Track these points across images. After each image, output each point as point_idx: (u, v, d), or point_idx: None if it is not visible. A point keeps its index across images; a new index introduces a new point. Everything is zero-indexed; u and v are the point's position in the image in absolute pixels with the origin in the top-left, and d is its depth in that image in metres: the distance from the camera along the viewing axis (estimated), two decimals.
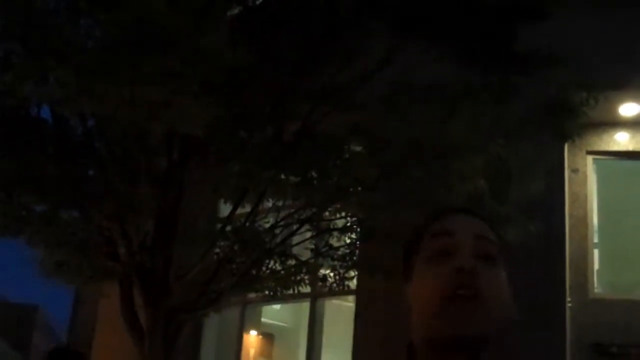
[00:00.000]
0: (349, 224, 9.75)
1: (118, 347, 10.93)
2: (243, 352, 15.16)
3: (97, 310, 15.58)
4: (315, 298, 13.78)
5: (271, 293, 10.08)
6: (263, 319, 16.35)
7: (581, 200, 12.86)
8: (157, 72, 6.51)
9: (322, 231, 9.83)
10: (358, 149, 9.10)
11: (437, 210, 1.64)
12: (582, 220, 12.77)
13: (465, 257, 1.49)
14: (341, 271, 9.88)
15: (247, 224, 9.14)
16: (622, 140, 13.05)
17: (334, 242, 9.95)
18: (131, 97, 6.52)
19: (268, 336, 16.66)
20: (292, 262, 9.66)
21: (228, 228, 9.09)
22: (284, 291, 10.04)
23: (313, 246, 9.93)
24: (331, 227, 9.79)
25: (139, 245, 8.35)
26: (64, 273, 9.36)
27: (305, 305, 14.17)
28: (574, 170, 12.77)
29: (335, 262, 9.81)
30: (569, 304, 11.90)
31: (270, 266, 9.54)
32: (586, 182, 12.95)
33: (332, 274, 9.94)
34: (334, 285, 10.00)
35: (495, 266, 1.53)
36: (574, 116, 8.83)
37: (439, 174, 8.17)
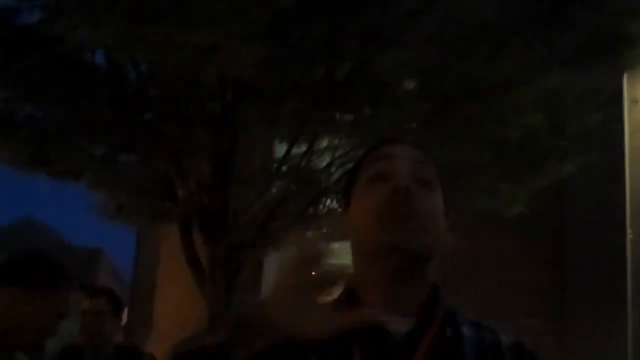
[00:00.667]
0: None
1: (181, 287, 11.16)
2: None
3: (159, 251, 15.88)
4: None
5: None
6: None
7: None
8: (205, 15, 6.52)
9: None
10: (410, 86, 9.04)
11: (375, 143, 1.73)
12: None
13: (401, 178, 1.55)
14: None
15: (303, 163, 9.19)
16: None
17: None
18: (180, 41, 6.55)
19: None
20: None
21: (284, 168, 9.14)
22: None
23: None
24: None
25: (197, 186, 8.46)
26: (125, 215, 9.55)
27: None
28: (634, 101, 12.53)
29: None
30: (630, 236, 11.78)
31: (327, 205, 9.59)
32: None
33: None
34: None
35: (432, 191, 1.60)
36: (631, 45, 8.62)
37: (492, 108, 8.08)
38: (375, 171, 1.61)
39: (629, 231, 11.74)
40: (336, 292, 1.53)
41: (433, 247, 1.55)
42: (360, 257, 1.60)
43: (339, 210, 1.76)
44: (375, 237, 1.53)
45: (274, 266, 15.16)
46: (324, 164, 9.45)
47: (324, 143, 9.61)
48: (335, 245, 1.53)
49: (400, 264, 1.53)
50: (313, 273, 1.41)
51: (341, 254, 1.56)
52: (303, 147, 9.22)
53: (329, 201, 9.54)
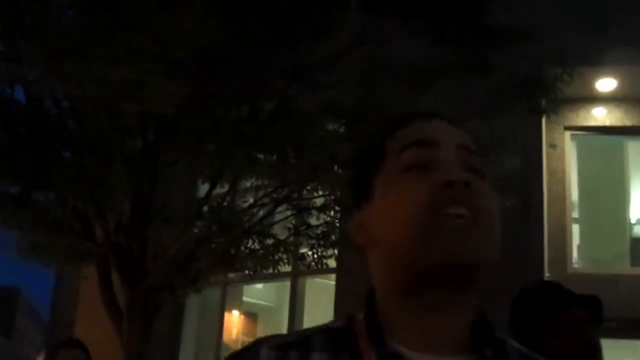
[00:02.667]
0: (327, 202, 9.74)
1: (99, 328, 10.91)
2: (225, 332, 15.20)
3: (78, 291, 15.56)
4: (296, 277, 13.81)
5: (251, 272, 10.08)
6: (245, 299, 16.39)
7: (559, 176, 12.90)
8: (128, 52, 6.47)
9: (301, 210, 9.82)
10: (333, 127, 9.09)
11: (399, 116, 1.30)
12: (561, 196, 12.82)
13: (455, 168, 1.18)
14: (320, 250, 9.87)
15: (225, 203, 9.13)
16: (599, 115, 13.09)
17: (312, 220, 9.94)
18: (102, 77, 6.48)
19: (251, 315, 16.71)
20: (270, 241, 9.65)
21: (205, 208, 9.07)
22: (264, 270, 10.04)
23: (291, 225, 9.92)
24: (309, 205, 9.78)
25: (115, 226, 8.32)
26: (41, 255, 9.35)
27: (288, 284, 14.20)
28: (552, 146, 12.80)
29: (314, 241, 9.81)
30: (548, 279, 11.96)
31: (249, 246, 9.54)
32: (564, 157, 13.00)
33: (310, 253, 9.94)
34: (313, 264, 10.00)
35: (485, 182, 1.23)
36: (549, 92, 8.84)
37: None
38: (412, 157, 1.20)
39: (547, 274, 11.92)
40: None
41: (494, 258, 1.19)
42: (390, 274, 1.20)
43: (334, 217, 1.39)
44: (422, 250, 1.13)
45: (194, 309, 14.99)
46: (246, 204, 9.41)
47: (246, 183, 9.58)
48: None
49: (455, 285, 1.16)
50: None
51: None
52: (226, 187, 9.17)
53: (250, 242, 9.49)
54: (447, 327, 1.17)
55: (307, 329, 1.25)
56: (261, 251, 9.61)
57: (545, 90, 8.83)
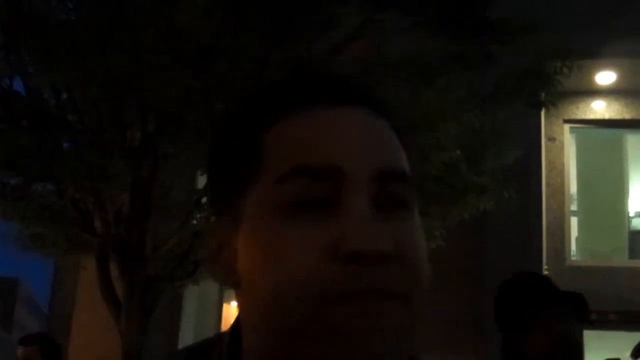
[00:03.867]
0: None
1: (98, 319, 10.94)
2: (224, 323, 15.22)
3: (77, 282, 15.57)
4: None
5: None
6: None
7: (558, 169, 12.93)
8: (129, 45, 6.47)
9: None
10: None
11: (287, 92, 0.86)
12: (560, 189, 12.84)
13: (362, 221, 0.77)
14: None
15: None
16: (598, 108, 13.11)
17: None
18: (102, 70, 6.48)
19: None
20: None
21: (204, 199, 9.07)
22: None
23: None
24: None
25: (115, 217, 8.33)
26: (40, 246, 9.36)
27: None
28: (551, 139, 12.82)
29: None
30: (546, 271, 11.98)
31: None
32: (563, 150, 13.02)
33: None
34: None
35: (411, 217, 0.83)
36: (548, 85, 8.84)
37: (413, 143, 8.18)
38: (298, 192, 0.78)
39: (545, 266, 11.94)
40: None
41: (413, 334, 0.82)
42: (259, 344, 0.83)
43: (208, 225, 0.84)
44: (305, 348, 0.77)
45: (193, 300, 15.02)
46: None
47: None
48: None
49: None
50: None
51: None
52: None
53: None
54: None
55: (191, 347, 0.98)
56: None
57: (545, 83, 8.83)
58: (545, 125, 12.74)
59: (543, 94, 9.13)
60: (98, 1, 6.96)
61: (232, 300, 15.76)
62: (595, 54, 11.36)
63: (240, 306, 0.85)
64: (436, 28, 7.99)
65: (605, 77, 12.55)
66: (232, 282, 0.84)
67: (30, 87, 8.30)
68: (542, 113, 11.96)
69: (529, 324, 2.63)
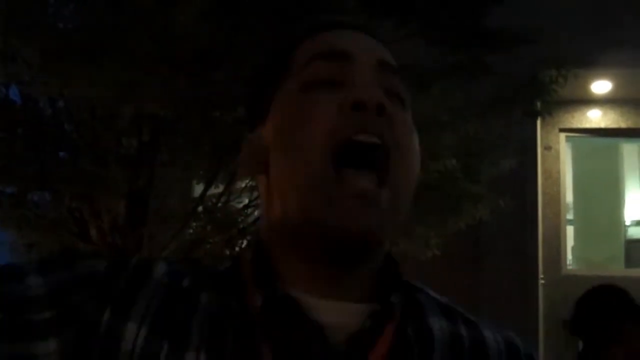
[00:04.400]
0: None
1: None
2: None
3: None
4: None
5: None
6: None
7: (554, 178, 12.94)
8: (125, 53, 6.46)
9: None
10: None
11: (312, 24, 1.09)
12: (555, 198, 12.85)
13: (369, 87, 0.98)
14: None
15: (220, 204, 9.12)
16: (594, 117, 13.13)
17: None
18: (98, 78, 6.47)
19: None
20: None
21: (200, 208, 9.06)
22: None
23: None
24: None
25: (111, 226, 8.31)
26: (36, 254, 9.33)
27: None
28: (547, 148, 12.84)
29: None
30: (542, 281, 11.98)
31: (243, 246, 9.53)
32: (559, 159, 13.03)
33: None
34: None
35: (406, 111, 1.04)
36: (544, 94, 8.85)
37: None
38: (319, 71, 1.00)
39: (541, 275, 11.94)
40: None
41: (401, 225, 1.00)
42: (279, 216, 1.00)
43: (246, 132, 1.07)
44: (315, 212, 0.94)
45: None
46: (241, 205, 9.41)
47: (241, 184, 9.58)
48: None
49: (350, 257, 0.97)
50: None
51: None
52: (221, 187, 9.17)
53: (245, 242, 9.48)
54: (345, 279, 0.99)
55: (200, 264, 1.10)
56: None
57: (541, 92, 8.84)
58: (541, 134, 12.75)
59: (539, 103, 9.14)
60: (94, 8, 6.95)
61: None
62: (591, 63, 11.37)
63: (264, 190, 1.04)
64: (433, 36, 8.00)
65: (601, 86, 12.57)
66: (260, 168, 1.03)
67: (26, 96, 8.29)
68: (538, 122, 11.97)
69: (609, 336, 2.64)
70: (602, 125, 13.07)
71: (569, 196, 13.21)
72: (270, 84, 1.05)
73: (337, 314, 0.95)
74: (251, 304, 0.97)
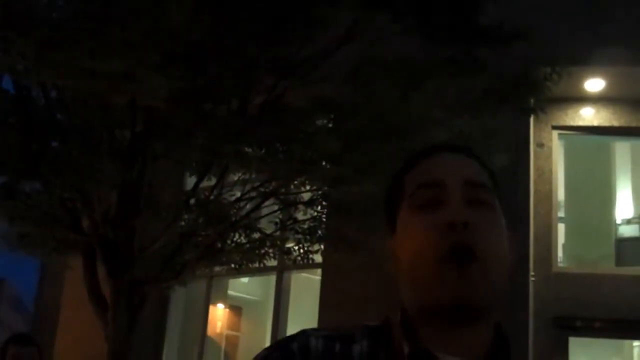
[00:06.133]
0: (314, 197, 9.75)
1: (84, 320, 10.91)
2: (210, 325, 15.20)
3: (63, 282, 15.52)
4: (282, 271, 13.81)
5: (237, 266, 10.07)
6: (231, 292, 16.38)
7: (546, 175, 12.94)
8: (118, 44, 6.45)
9: (288, 204, 9.81)
10: (322, 122, 9.10)
11: (419, 150, 1.45)
12: (547, 195, 12.86)
13: (456, 207, 1.31)
14: (306, 244, 9.88)
15: (212, 197, 9.12)
16: (587, 115, 13.13)
17: (299, 215, 9.95)
18: (92, 69, 6.46)
19: (236, 309, 16.71)
20: (257, 235, 9.64)
21: (192, 201, 9.05)
22: (250, 264, 10.03)
23: (278, 219, 9.92)
24: (297, 200, 9.78)
25: (102, 217, 8.30)
26: (27, 245, 9.32)
27: (273, 278, 14.21)
28: (539, 145, 12.84)
29: (300, 236, 9.81)
30: (533, 278, 12.00)
31: (235, 239, 9.52)
32: (551, 156, 13.03)
33: (296, 248, 9.94)
34: (299, 258, 10.00)
35: (492, 211, 1.35)
36: (537, 91, 8.87)
37: (401, 147, 8.19)
38: (421, 198, 1.35)
39: (532, 273, 11.96)
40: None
41: (499, 292, 1.31)
42: (411, 299, 1.35)
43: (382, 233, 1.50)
44: (431, 292, 1.29)
45: (180, 301, 14.98)
46: (233, 198, 9.40)
47: (234, 177, 9.57)
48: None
49: (463, 321, 1.29)
50: None
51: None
52: (213, 180, 9.16)
53: (237, 236, 9.48)
54: (465, 343, 1.31)
55: (347, 327, 1.40)
56: (247, 245, 9.59)
57: (534, 90, 8.85)
58: (534, 131, 12.75)
59: (532, 100, 9.15)
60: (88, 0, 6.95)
61: (218, 302, 15.73)
62: (584, 61, 11.40)
63: (400, 283, 1.36)
64: (426, 32, 8.00)
65: (594, 84, 12.58)
66: (395, 267, 1.36)
67: (19, 85, 8.27)
68: (531, 119, 11.98)
69: None
70: (595, 123, 13.07)
71: (560, 194, 13.22)
72: (393, 204, 1.41)
73: None
74: (400, 351, 1.31)
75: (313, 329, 1.35)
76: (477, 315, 1.29)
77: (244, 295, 16.84)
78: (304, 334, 1.34)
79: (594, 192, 13.53)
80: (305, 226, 9.76)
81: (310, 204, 9.73)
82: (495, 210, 1.35)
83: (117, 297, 8.23)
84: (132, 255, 8.29)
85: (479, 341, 1.32)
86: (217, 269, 11.77)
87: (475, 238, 1.28)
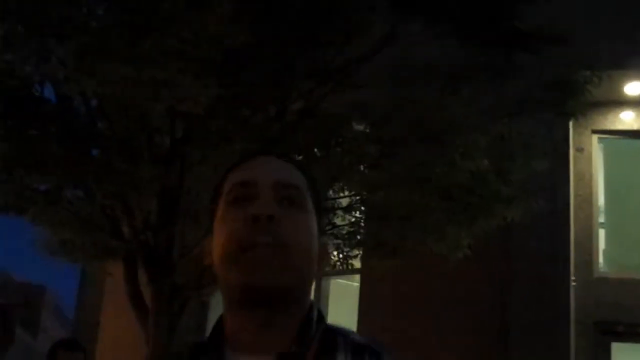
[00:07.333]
0: (352, 203, 9.75)
1: (125, 326, 11.00)
2: None
3: (103, 289, 15.64)
4: (321, 277, 13.81)
5: None
6: None
7: (586, 180, 12.84)
8: (158, 52, 6.51)
9: (326, 210, 9.82)
10: (360, 127, 9.10)
11: (241, 157, 1.58)
12: (587, 200, 12.75)
13: (263, 203, 1.42)
14: (345, 250, 9.88)
15: None
16: (627, 119, 13.01)
17: (338, 220, 9.95)
18: (131, 77, 6.52)
19: None
20: None
21: None
22: None
23: None
24: (335, 206, 9.79)
25: (143, 223, 8.37)
26: (69, 252, 9.42)
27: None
28: (579, 149, 12.75)
29: (339, 241, 9.81)
30: (574, 283, 11.91)
31: None
32: (591, 161, 12.93)
33: (335, 253, 9.94)
34: (338, 264, 10.00)
35: (301, 211, 1.47)
36: (577, 95, 8.79)
37: (439, 152, 8.17)
38: (233, 194, 1.47)
39: (572, 278, 11.86)
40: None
41: (303, 277, 1.44)
42: (222, 292, 1.48)
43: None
44: (228, 276, 1.41)
45: (220, 307, 15.05)
46: None
47: None
48: None
49: (264, 304, 1.39)
50: None
51: None
52: None
53: None
54: (272, 333, 1.41)
55: (197, 342, 1.56)
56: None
57: (574, 93, 8.77)
58: (574, 136, 12.66)
59: (571, 104, 9.08)
60: (127, 8, 7.00)
61: None
62: (624, 65, 11.29)
63: (215, 271, 1.47)
64: (464, 37, 7.98)
65: (634, 88, 12.46)
66: (212, 263, 1.49)
67: (60, 94, 8.36)
68: (571, 123, 11.89)
69: None
70: (635, 127, 12.95)
71: (600, 198, 13.11)
72: (214, 204, 1.53)
73: None
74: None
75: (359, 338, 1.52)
76: (276, 299, 1.39)
77: None
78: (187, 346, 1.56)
79: (634, 197, 13.38)
80: (344, 231, 9.76)
81: (348, 209, 9.73)
82: (305, 210, 1.48)
83: (158, 303, 8.28)
84: (172, 261, 8.35)
85: (292, 325, 1.42)
86: None
87: (279, 230, 1.40)
